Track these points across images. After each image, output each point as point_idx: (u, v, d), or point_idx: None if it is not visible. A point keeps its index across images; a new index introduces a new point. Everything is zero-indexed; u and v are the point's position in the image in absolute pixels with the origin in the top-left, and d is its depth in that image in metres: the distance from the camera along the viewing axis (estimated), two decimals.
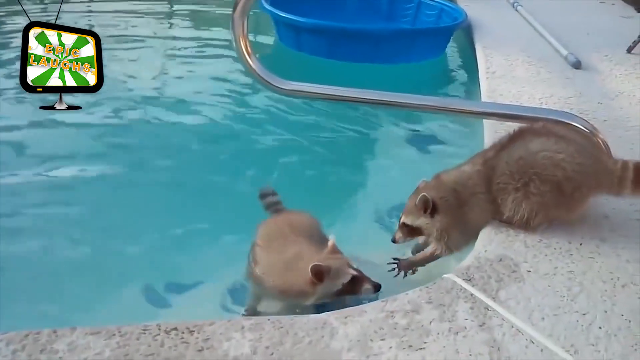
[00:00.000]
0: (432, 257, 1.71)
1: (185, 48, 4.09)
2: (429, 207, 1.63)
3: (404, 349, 1.22)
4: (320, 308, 1.50)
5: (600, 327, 1.30)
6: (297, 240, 1.66)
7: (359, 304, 1.38)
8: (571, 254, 1.55)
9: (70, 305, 1.70)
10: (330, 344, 1.22)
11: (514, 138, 1.66)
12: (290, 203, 2.29)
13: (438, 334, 1.27)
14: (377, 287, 1.49)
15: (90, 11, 4.66)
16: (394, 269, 1.71)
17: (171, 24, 4.74)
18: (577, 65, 3.02)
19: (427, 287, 1.42)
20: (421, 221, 1.66)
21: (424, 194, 1.62)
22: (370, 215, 2.25)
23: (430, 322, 1.30)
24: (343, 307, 1.37)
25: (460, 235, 1.66)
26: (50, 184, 2.31)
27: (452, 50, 4.06)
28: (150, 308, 1.72)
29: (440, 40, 3.85)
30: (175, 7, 5.06)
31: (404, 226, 1.69)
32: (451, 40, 3.93)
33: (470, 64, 3.44)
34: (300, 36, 3.69)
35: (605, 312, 1.35)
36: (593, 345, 1.25)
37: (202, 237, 2.04)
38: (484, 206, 1.64)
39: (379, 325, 1.28)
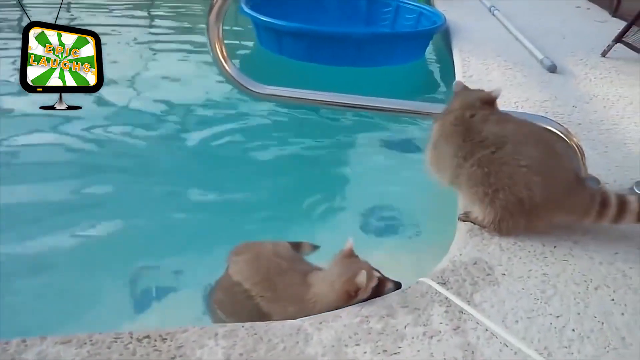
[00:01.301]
0: None
1: (164, 51, 4.07)
2: None
3: (378, 353, 1.22)
4: None
5: (573, 330, 1.31)
6: (296, 265, 1.58)
7: None
8: (545, 257, 1.56)
9: (39, 314, 1.67)
10: (305, 350, 1.21)
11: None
12: (269, 210, 2.30)
13: (413, 338, 1.27)
14: (398, 286, 1.44)
15: (69, 3, 4.62)
16: None
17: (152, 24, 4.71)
18: (552, 69, 3.05)
19: (403, 291, 1.42)
20: None
21: None
22: (351, 220, 2.25)
23: (405, 326, 1.30)
24: None
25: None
26: (22, 187, 2.27)
27: (430, 54, 4.09)
28: (123, 315, 1.69)
29: (421, 43, 3.87)
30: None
31: None
32: (430, 44, 3.96)
33: (447, 67, 3.46)
34: (281, 40, 3.69)
35: (578, 314, 1.36)
36: (566, 347, 1.26)
37: (176, 243, 2.02)
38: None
39: (353, 330, 1.28)
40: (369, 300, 1.38)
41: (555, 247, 1.61)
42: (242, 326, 1.28)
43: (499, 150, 1.57)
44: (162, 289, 1.79)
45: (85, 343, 1.19)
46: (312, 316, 1.32)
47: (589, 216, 1.59)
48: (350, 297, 1.38)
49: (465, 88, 1.80)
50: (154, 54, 3.97)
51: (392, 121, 2.97)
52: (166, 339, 1.23)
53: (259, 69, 3.78)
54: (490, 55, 3.29)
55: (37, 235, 2.00)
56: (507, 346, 1.26)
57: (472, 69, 3.04)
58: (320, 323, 1.29)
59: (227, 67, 1.86)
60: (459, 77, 2.97)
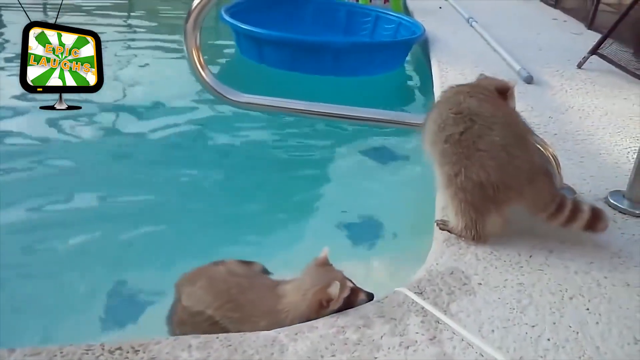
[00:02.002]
0: None
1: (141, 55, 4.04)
2: None
3: None
4: None
5: (548, 339, 1.31)
6: (256, 279, 1.56)
7: None
8: (521, 266, 1.57)
9: (7, 326, 1.63)
10: None
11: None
12: (250, 219, 2.28)
13: (389, 348, 1.26)
14: (370, 297, 1.41)
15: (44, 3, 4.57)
16: None
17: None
18: (529, 80, 3.09)
19: (379, 301, 1.41)
20: None
21: None
22: (326, 228, 2.24)
23: (382, 336, 1.29)
24: None
25: None
26: None
27: (409, 65, 4.11)
28: (96, 328, 1.66)
29: (399, 53, 3.89)
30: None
31: None
32: (408, 54, 3.98)
33: (426, 78, 3.48)
34: (261, 48, 3.68)
35: (554, 323, 1.36)
36: (542, 357, 1.26)
37: (149, 252, 1.99)
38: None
39: (329, 341, 1.27)
40: (345, 311, 1.37)
41: (531, 256, 1.62)
42: (217, 337, 1.26)
43: (467, 131, 1.59)
44: (137, 301, 1.76)
45: (56, 355, 1.17)
46: (287, 327, 1.31)
47: (544, 213, 1.61)
48: (322, 307, 1.35)
49: (487, 77, 1.88)
50: (134, 55, 3.94)
51: (370, 130, 2.97)
52: (138, 350, 1.20)
53: (239, 77, 3.77)
54: (468, 66, 3.32)
55: (10, 245, 1.95)
56: (482, 356, 1.26)
57: (450, 80, 3.06)
58: (296, 334, 1.28)
59: (204, 75, 1.85)
60: (437, 87, 2.99)
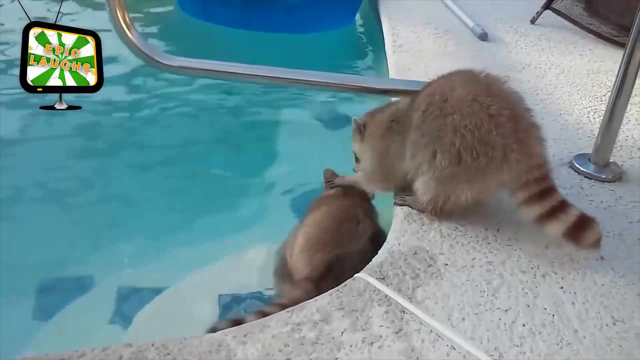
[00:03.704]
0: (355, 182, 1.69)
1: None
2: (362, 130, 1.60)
3: None
4: None
5: (523, 325, 1.20)
6: None
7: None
8: (489, 242, 1.45)
9: None
10: None
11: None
12: (202, 191, 2.08)
13: (351, 346, 1.12)
14: None
15: None
16: None
17: None
18: (483, 37, 2.95)
19: (338, 290, 1.26)
20: (356, 146, 1.64)
21: (355, 118, 1.62)
22: (280, 200, 2.07)
23: (342, 332, 1.15)
24: None
25: (373, 169, 1.61)
26: None
27: (359, 21, 3.92)
28: (18, 333, 1.45)
29: (351, 7, 3.70)
30: None
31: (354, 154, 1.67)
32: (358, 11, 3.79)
33: (376, 35, 3.30)
34: (207, 4, 3.41)
35: (528, 306, 1.25)
36: (517, 346, 1.15)
37: (77, 240, 1.78)
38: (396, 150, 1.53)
39: (283, 341, 1.12)
40: (298, 305, 1.22)
41: (498, 230, 1.50)
42: (152, 344, 1.09)
43: (430, 104, 1.44)
44: (64, 298, 1.57)
45: None
46: (234, 328, 1.15)
47: (525, 190, 1.38)
48: None
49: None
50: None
51: (323, 95, 2.78)
52: None
53: (179, 38, 3.48)
54: (420, 23, 3.16)
55: None
56: (454, 349, 1.13)
57: (402, 38, 2.89)
58: (245, 335, 1.12)
59: (131, 37, 1.62)
60: (388, 45, 2.82)
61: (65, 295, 1.61)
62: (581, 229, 1.34)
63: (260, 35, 3.26)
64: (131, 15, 1.73)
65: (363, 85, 1.97)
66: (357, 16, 3.80)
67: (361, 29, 3.82)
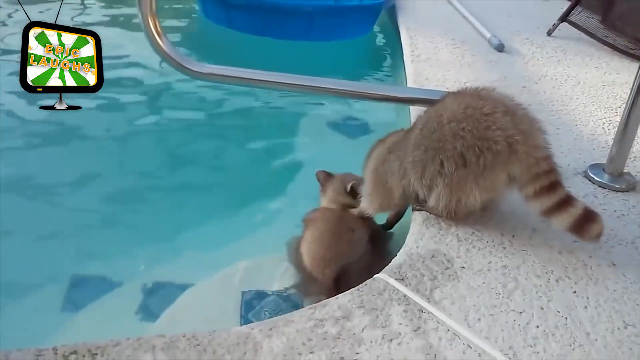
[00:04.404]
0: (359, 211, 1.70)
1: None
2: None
3: None
4: None
5: (537, 326, 1.25)
6: None
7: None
8: (504, 247, 1.50)
9: None
10: None
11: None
12: (211, 192, 2.15)
13: (371, 342, 1.17)
14: None
15: None
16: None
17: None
18: (500, 48, 3.01)
19: (358, 289, 1.31)
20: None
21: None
22: (294, 208, 2.12)
23: (363, 329, 1.20)
24: None
25: (372, 191, 1.65)
26: None
27: (377, 31, 3.98)
28: (46, 326, 1.52)
29: (370, 17, 3.76)
30: None
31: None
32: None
33: (395, 44, 3.36)
34: (231, 12, 3.50)
35: (542, 309, 1.30)
36: (531, 346, 1.19)
37: (107, 242, 1.84)
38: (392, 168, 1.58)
39: (307, 336, 1.17)
40: (321, 302, 1.27)
41: (513, 236, 1.54)
42: (184, 336, 1.15)
43: (427, 120, 1.51)
44: (92, 293, 1.63)
45: None
46: (261, 322, 1.21)
47: (534, 180, 1.41)
48: None
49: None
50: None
51: (339, 102, 2.84)
52: (96, 354, 1.08)
53: (204, 45, 3.57)
54: (437, 33, 3.22)
55: None
56: (470, 347, 1.18)
57: (419, 48, 2.95)
58: (271, 329, 1.18)
59: (161, 44, 1.69)
60: (406, 55, 2.88)
61: (92, 291, 1.66)
62: (586, 222, 1.40)
63: (281, 42, 3.33)
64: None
65: (383, 94, 2.02)
66: (376, 26, 3.86)
67: (380, 39, 3.89)
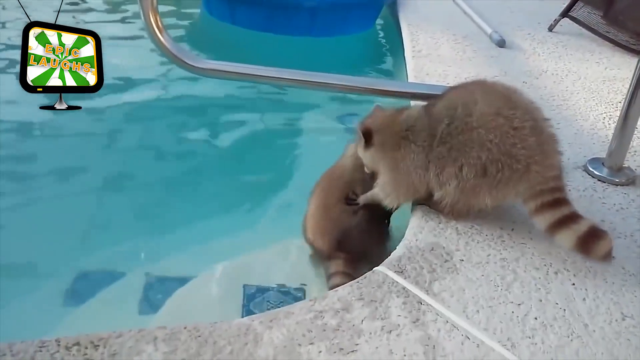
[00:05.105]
0: (373, 199, 1.61)
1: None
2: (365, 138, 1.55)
3: (334, 352, 1.13)
4: None
5: (535, 318, 1.26)
6: None
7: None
8: (503, 240, 1.51)
9: None
10: (255, 352, 1.11)
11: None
12: (216, 187, 2.16)
13: (370, 333, 1.18)
14: None
15: None
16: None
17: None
18: (501, 43, 3.00)
19: (358, 282, 1.33)
20: (366, 156, 1.59)
21: (359, 123, 1.56)
22: (302, 201, 2.14)
23: (362, 320, 1.21)
24: None
25: (392, 182, 1.56)
26: None
27: (379, 26, 3.98)
28: (48, 318, 1.54)
29: (373, 11, 3.77)
30: None
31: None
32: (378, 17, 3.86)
33: (396, 39, 3.36)
34: (234, 8, 3.50)
35: (540, 301, 1.31)
36: (529, 337, 1.21)
37: (108, 235, 1.86)
38: (416, 159, 1.51)
39: (307, 327, 1.18)
40: (321, 295, 1.29)
41: (512, 229, 1.55)
42: (185, 327, 1.16)
43: (454, 118, 1.47)
44: (94, 286, 1.64)
45: (5, 354, 1.05)
46: (262, 314, 1.22)
47: (537, 196, 1.43)
48: None
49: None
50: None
51: (345, 96, 2.85)
52: (98, 345, 1.10)
53: (207, 40, 3.57)
54: (438, 28, 3.22)
55: None
56: (469, 338, 1.19)
57: (421, 43, 2.96)
58: (271, 321, 1.19)
59: (163, 40, 1.70)
60: (407, 50, 2.89)
61: (95, 284, 1.68)
62: (592, 239, 1.38)
63: (282, 38, 3.34)
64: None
65: (384, 89, 2.03)
66: (377, 22, 3.87)
67: (381, 34, 3.89)
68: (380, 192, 1.58)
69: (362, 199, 1.63)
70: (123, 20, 3.67)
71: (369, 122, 1.58)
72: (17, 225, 1.81)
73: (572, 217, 1.41)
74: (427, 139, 1.50)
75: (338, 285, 1.36)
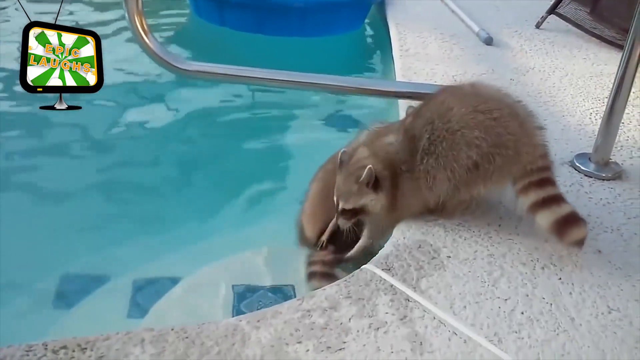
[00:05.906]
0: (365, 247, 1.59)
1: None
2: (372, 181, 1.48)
3: (322, 351, 1.13)
4: None
5: (522, 313, 1.27)
6: None
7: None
8: (490, 237, 1.51)
9: None
10: (242, 352, 1.11)
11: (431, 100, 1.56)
12: (206, 190, 2.16)
13: (358, 331, 1.19)
14: None
15: None
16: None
17: None
18: (488, 41, 3.02)
19: (346, 280, 1.33)
20: (366, 198, 1.49)
21: (370, 166, 1.45)
22: (291, 202, 2.14)
23: (350, 318, 1.22)
24: None
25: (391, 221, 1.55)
26: None
27: (367, 26, 3.99)
28: (36, 322, 1.53)
29: (361, 11, 3.77)
30: None
31: (346, 211, 1.52)
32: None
33: (384, 39, 3.37)
34: (223, 10, 3.50)
35: (527, 296, 1.32)
36: (516, 332, 1.21)
37: (97, 239, 1.85)
38: (412, 188, 1.51)
39: (294, 326, 1.19)
40: (309, 293, 1.29)
41: (500, 225, 1.56)
42: (172, 329, 1.16)
43: (434, 129, 1.47)
44: (82, 289, 1.64)
45: None
46: (249, 314, 1.22)
47: (526, 175, 1.44)
48: None
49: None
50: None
51: (331, 97, 2.85)
52: (86, 348, 1.10)
53: (195, 43, 3.57)
54: (426, 27, 3.23)
55: None
56: (456, 334, 1.20)
57: (408, 42, 2.97)
58: (258, 321, 1.19)
59: (148, 42, 1.70)
60: (395, 49, 2.89)
61: (83, 287, 1.67)
62: (569, 224, 1.40)
63: (271, 39, 3.34)
64: (147, 21, 1.82)
65: (372, 88, 2.05)
66: (366, 21, 3.88)
67: (369, 34, 3.90)
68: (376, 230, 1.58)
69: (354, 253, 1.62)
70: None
71: (374, 169, 1.48)
72: (3, 228, 1.80)
73: (555, 199, 1.43)
74: (410, 162, 1.50)
75: (317, 288, 1.36)
